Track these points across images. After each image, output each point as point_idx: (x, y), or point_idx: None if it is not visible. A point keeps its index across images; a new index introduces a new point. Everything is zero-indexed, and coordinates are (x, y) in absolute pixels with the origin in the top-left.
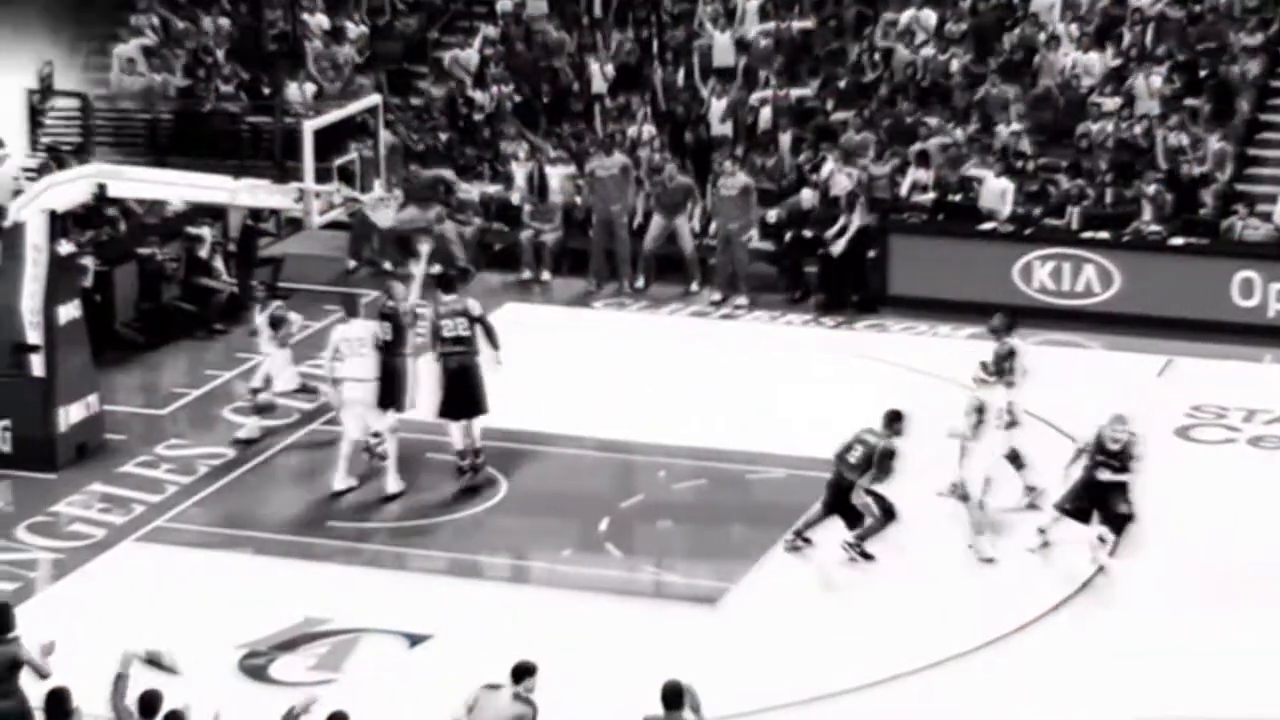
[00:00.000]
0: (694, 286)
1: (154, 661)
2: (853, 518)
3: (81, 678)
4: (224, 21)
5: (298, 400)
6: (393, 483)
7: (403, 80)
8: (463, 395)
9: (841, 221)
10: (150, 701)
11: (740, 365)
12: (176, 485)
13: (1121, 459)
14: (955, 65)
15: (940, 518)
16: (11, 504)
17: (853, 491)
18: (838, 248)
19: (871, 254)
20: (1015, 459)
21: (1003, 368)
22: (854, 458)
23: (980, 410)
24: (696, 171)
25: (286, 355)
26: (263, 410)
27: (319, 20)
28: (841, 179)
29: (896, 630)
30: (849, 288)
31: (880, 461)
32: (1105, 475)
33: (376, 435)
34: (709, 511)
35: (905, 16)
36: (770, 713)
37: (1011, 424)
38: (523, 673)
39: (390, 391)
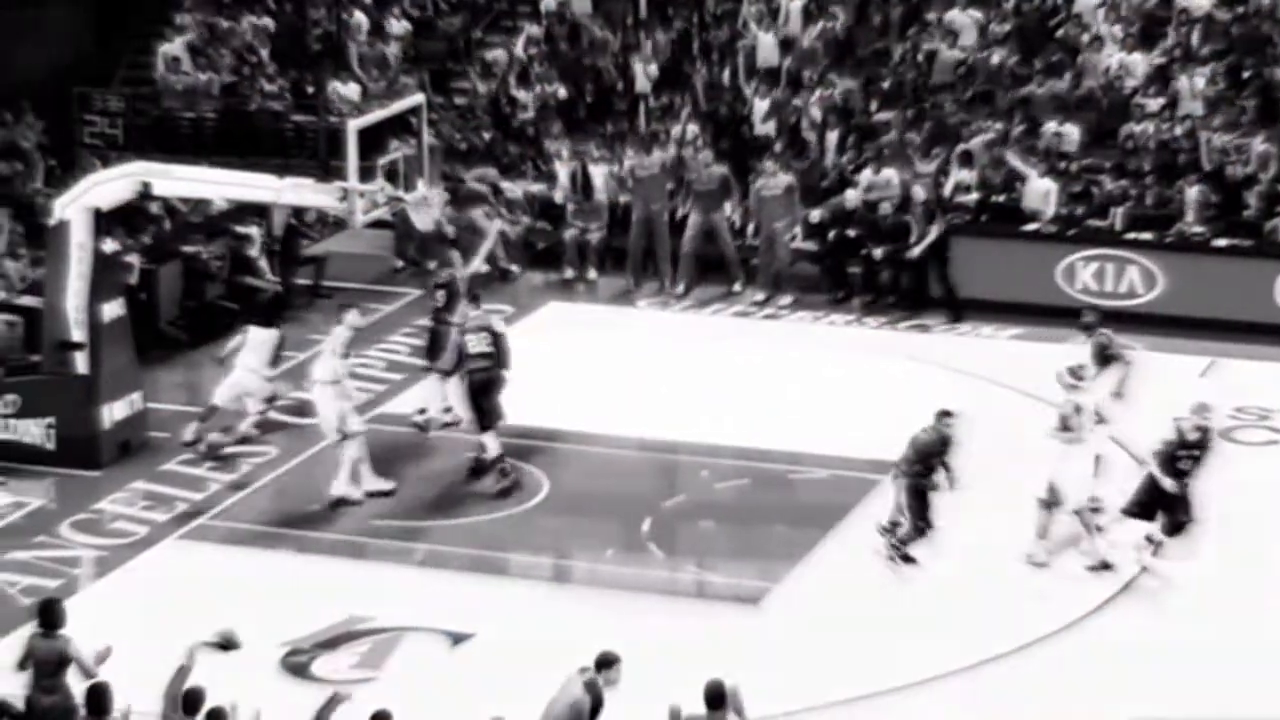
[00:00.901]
0: (736, 286)
1: (225, 644)
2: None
3: (124, 674)
4: (268, 20)
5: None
6: (343, 487)
7: (446, 79)
8: (488, 406)
9: (919, 231)
10: (193, 699)
11: (783, 365)
12: (219, 483)
13: (1201, 449)
14: (999, 65)
15: (980, 517)
16: (55, 501)
17: (927, 494)
18: (915, 253)
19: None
20: (1106, 470)
21: (1100, 363)
22: (908, 458)
23: (1074, 414)
24: (738, 171)
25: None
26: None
27: (361, 19)
28: (919, 190)
29: (938, 630)
30: (927, 289)
31: (942, 454)
32: (1170, 485)
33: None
34: (751, 511)
35: (949, 16)
36: (813, 712)
37: (1100, 423)
38: (603, 663)
39: (433, 351)
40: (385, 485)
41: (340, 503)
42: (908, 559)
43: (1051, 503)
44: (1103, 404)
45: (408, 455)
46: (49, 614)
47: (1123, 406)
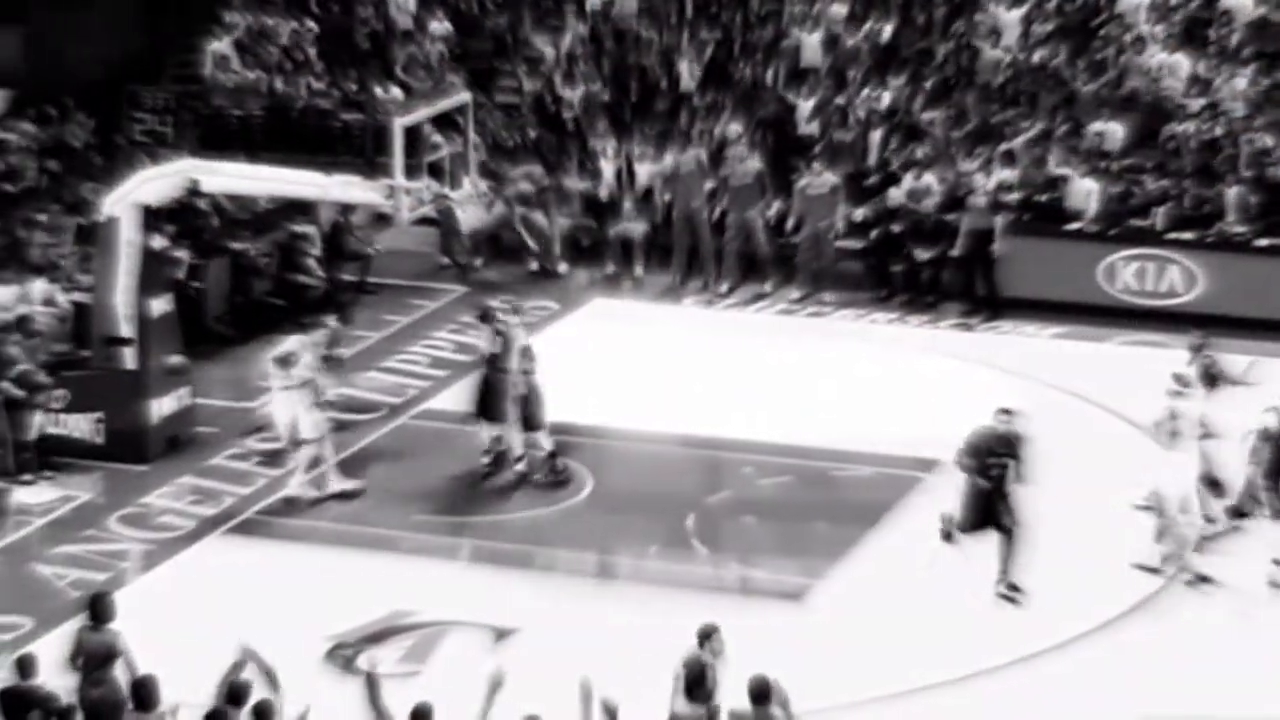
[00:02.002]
0: (767, 286)
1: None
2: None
3: (170, 667)
4: (315, 20)
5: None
6: (295, 488)
7: (492, 77)
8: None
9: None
10: (238, 692)
11: (826, 362)
12: (266, 478)
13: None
14: (1041, 65)
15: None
16: (104, 495)
17: (1000, 497)
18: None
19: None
20: (1214, 484)
21: (1205, 380)
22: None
23: (1173, 419)
24: (781, 170)
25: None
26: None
27: (406, 19)
28: (979, 199)
29: (979, 628)
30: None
31: (1006, 451)
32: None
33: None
34: (794, 508)
35: (991, 16)
36: (855, 708)
37: (1206, 436)
38: (704, 636)
39: (486, 404)
40: (353, 485)
41: (290, 502)
42: (948, 537)
43: (1154, 508)
44: (1209, 416)
45: (451, 452)
46: (98, 607)
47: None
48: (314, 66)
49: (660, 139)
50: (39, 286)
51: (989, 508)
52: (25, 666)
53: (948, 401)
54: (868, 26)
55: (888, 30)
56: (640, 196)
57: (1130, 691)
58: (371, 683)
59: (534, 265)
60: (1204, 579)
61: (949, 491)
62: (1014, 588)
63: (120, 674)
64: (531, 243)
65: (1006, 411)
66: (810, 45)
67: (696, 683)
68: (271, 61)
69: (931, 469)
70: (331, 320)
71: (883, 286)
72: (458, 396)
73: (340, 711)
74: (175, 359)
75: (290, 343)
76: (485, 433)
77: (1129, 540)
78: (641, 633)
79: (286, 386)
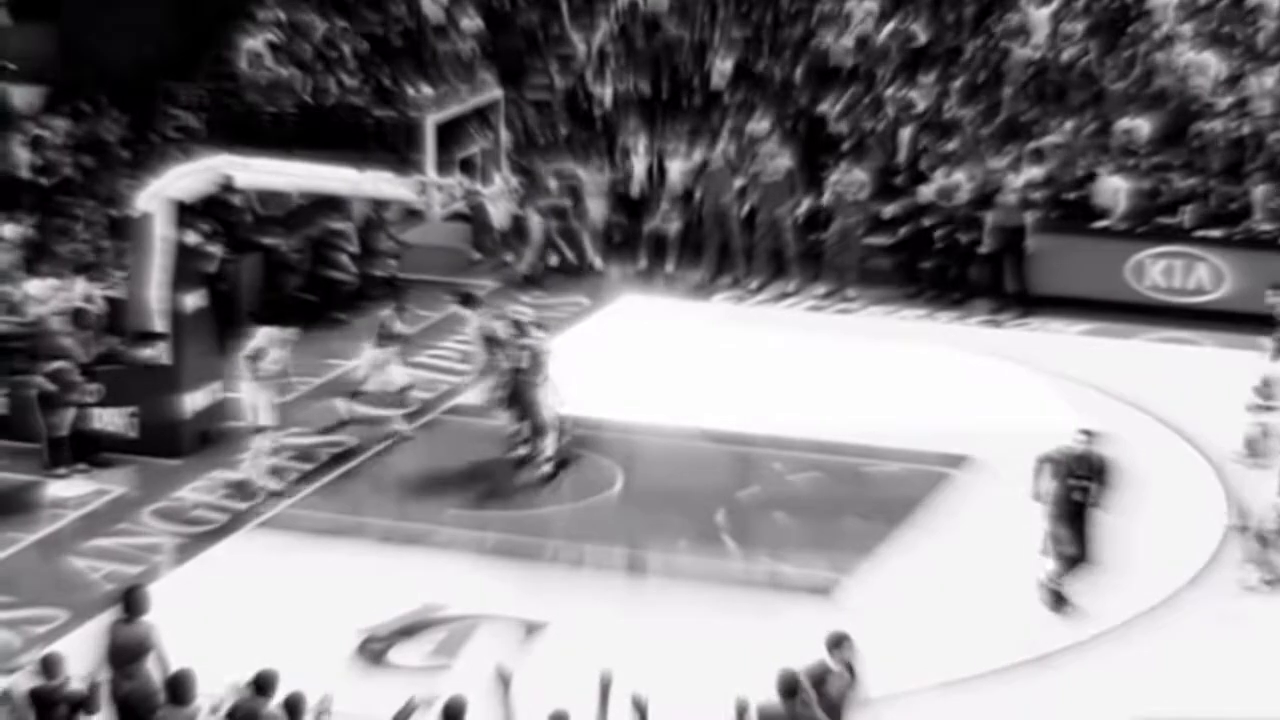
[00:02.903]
0: (790, 285)
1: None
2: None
3: (203, 662)
4: (348, 17)
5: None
6: (246, 471)
7: (523, 74)
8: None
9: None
10: (266, 682)
11: (855, 358)
12: (298, 472)
13: None
14: (1071, 63)
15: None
16: (137, 489)
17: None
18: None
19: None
20: None
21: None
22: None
23: (1262, 437)
24: (811, 168)
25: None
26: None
27: (438, 14)
28: (1009, 196)
29: (1008, 624)
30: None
31: (1094, 472)
32: None
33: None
34: (824, 503)
35: (1021, 14)
36: (884, 703)
37: None
38: (832, 645)
39: (513, 403)
40: (275, 486)
41: (240, 486)
42: (1059, 598)
43: (1245, 528)
44: None
45: (481, 446)
46: (131, 600)
47: None
48: (347, 63)
49: (691, 136)
50: (74, 282)
51: (1073, 527)
52: (51, 666)
53: (977, 397)
54: (896, 24)
55: (917, 28)
56: (672, 194)
57: (1173, 685)
58: (503, 683)
59: (566, 260)
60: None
61: (977, 487)
62: (1060, 599)
63: (153, 668)
64: (569, 253)
65: (1087, 433)
66: (840, 44)
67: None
68: (305, 58)
69: (960, 465)
70: (387, 310)
71: (912, 283)
72: (486, 394)
73: (369, 705)
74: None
75: (259, 338)
76: (514, 424)
77: (1168, 537)
78: (670, 628)
79: (256, 378)
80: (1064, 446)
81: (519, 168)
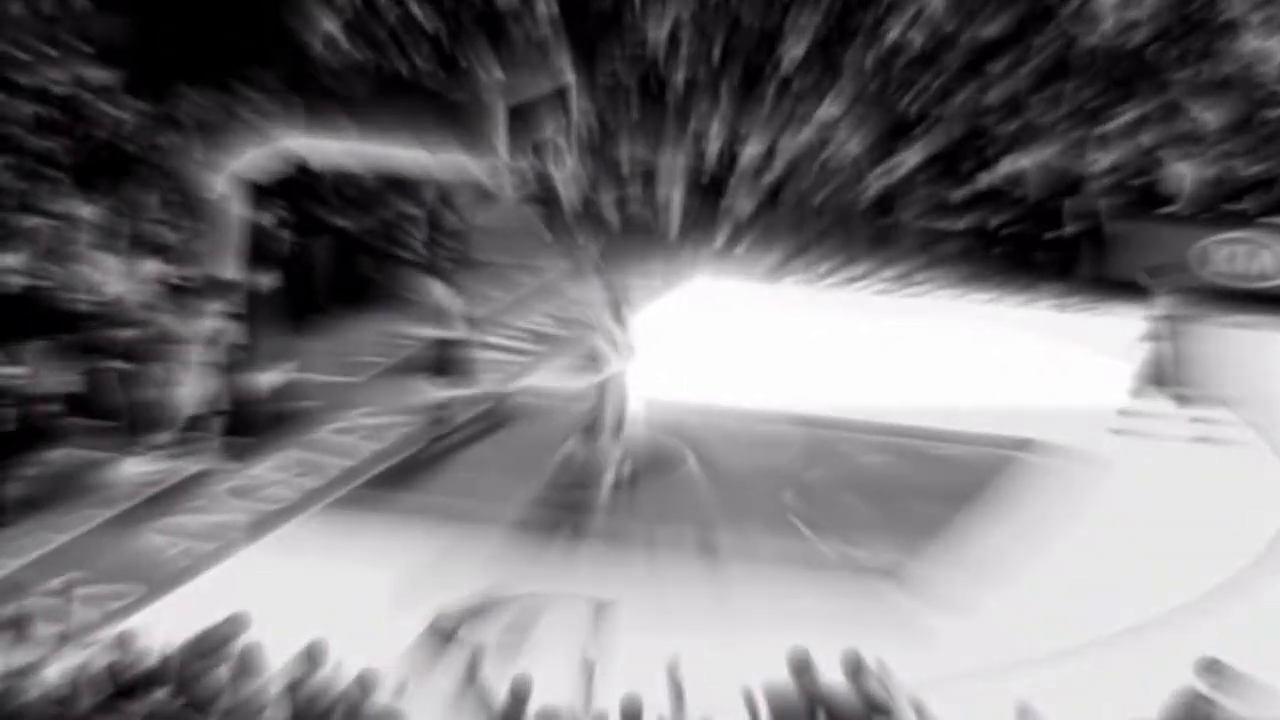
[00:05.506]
0: (863, 267)
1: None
2: None
3: (273, 638)
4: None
5: None
6: None
7: (596, 59)
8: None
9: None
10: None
11: (924, 341)
12: (369, 451)
13: None
14: (1138, 50)
15: (1110, 504)
16: (212, 467)
17: None
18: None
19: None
20: None
21: None
22: None
23: None
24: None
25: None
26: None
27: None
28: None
29: (1074, 607)
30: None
31: None
32: None
33: None
34: (893, 485)
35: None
36: (950, 683)
37: None
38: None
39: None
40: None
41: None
42: None
43: None
44: None
45: (552, 426)
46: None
47: None
48: (420, 46)
49: (761, 121)
50: (149, 265)
51: None
52: None
53: (1044, 381)
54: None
55: (986, 16)
56: (742, 178)
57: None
58: (588, 673)
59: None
60: None
61: (1045, 470)
62: None
63: None
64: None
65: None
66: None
67: None
68: (379, 41)
69: (1028, 448)
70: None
71: (980, 266)
72: (560, 373)
73: (438, 684)
74: None
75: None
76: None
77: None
78: (737, 609)
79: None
80: None
81: (591, 150)
